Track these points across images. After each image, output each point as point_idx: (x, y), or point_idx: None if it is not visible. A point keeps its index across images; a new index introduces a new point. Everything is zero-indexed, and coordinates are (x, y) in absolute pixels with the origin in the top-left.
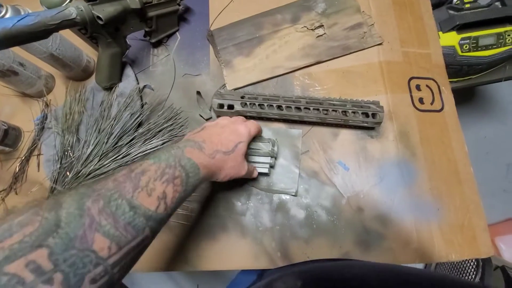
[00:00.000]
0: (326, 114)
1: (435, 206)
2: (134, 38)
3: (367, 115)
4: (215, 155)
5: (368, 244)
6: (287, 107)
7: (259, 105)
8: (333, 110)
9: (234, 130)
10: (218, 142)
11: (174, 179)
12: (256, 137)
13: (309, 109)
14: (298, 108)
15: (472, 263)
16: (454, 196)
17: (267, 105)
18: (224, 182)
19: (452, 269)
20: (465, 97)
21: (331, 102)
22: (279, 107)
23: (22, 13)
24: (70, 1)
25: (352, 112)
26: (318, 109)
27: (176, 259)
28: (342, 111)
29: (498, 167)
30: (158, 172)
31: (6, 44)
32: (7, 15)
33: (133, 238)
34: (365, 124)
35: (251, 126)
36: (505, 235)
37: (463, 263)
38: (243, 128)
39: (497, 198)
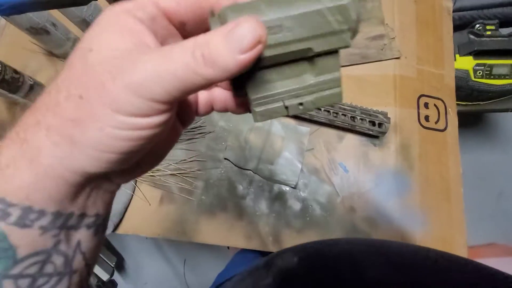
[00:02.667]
0: (335, 117)
1: (422, 218)
2: None
3: (373, 123)
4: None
5: None
6: None
7: None
8: (342, 114)
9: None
10: None
11: None
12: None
13: (320, 110)
14: None
15: None
16: (441, 212)
17: None
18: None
19: None
20: (472, 121)
21: (342, 106)
22: None
23: None
24: None
25: (360, 118)
26: (328, 111)
27: (174, 228)
28: (350, 117)
29: (490, 194)
30: None
31: (50, 5)
32: None
33: None
34: (370, 132)
35: None
36: (485, 258)
37: None
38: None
39: (483, 223)
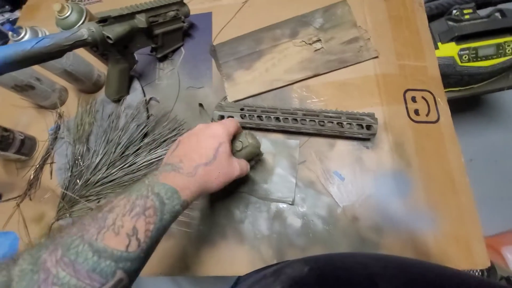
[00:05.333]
0: (322, 125)
1: (430, 217)
2: (142, 53)
3: (362, 126)
4: (195, 171)
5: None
6: (285, 118)
7: (257, 116)
8: (329, 122)
9: (210, 135)
10: (197, 155)
11: (146, 210)
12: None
13: (305, 120)
14: (295, 120)
15: (477, 274)
16: (449, 206)
17: (265, 117)
18: (222, 190)
19: None
20: (471, 105)
21: (327, 114)
22: (277, 118)
23: (40, 34)
24: (83, 23)
25: (347, 123)
26: (314, 121)
27: (177, 264)
28: (337, 123)
29: (506, 175)
30: (127, 206)
31: (25, 64)
32: (26, 37)
33: (102, 285)
34: (360, 136)
35: (229, 123)
36: (509, 246)
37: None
38: (220, 128)
39: (505, 206)
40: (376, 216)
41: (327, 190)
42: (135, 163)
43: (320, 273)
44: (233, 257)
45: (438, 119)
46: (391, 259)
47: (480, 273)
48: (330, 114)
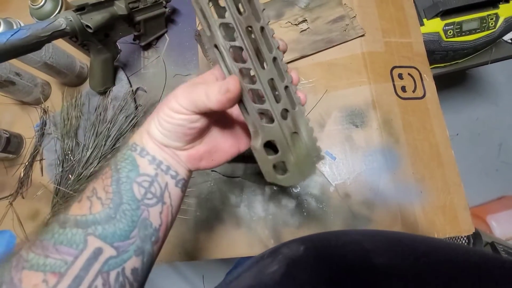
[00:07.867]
0: None
1: (418, 189)
2: (125, 42)
3: None
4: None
5: (355, 227)
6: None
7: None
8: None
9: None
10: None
11: (103, 170)
12: None
13: None
14: None
15: (463, 240)
16: (436, 178)
17: None
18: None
19: None
20: (456, 80)
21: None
22: None
23: (14, 25)
24: (59, 12)
25: None
26: None
27: (176, 251)
28: None
29: (490, 147)
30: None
31: (2, 58)
32: (0, 29)
33: (75, 257)
34: None
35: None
36: (497, 213)
37: (454, 240)
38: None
39: (490, 177)
40: (367, 192)
41: (319, 170)
42: None
43: (316, 251)
44: (231, 240)
45: (424, 95)
46: (383, 233)
47: (466, 240)
48: None
